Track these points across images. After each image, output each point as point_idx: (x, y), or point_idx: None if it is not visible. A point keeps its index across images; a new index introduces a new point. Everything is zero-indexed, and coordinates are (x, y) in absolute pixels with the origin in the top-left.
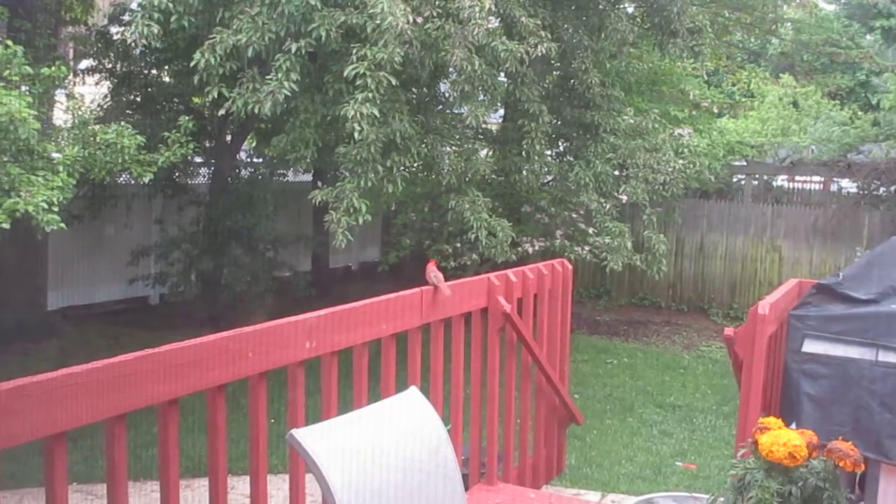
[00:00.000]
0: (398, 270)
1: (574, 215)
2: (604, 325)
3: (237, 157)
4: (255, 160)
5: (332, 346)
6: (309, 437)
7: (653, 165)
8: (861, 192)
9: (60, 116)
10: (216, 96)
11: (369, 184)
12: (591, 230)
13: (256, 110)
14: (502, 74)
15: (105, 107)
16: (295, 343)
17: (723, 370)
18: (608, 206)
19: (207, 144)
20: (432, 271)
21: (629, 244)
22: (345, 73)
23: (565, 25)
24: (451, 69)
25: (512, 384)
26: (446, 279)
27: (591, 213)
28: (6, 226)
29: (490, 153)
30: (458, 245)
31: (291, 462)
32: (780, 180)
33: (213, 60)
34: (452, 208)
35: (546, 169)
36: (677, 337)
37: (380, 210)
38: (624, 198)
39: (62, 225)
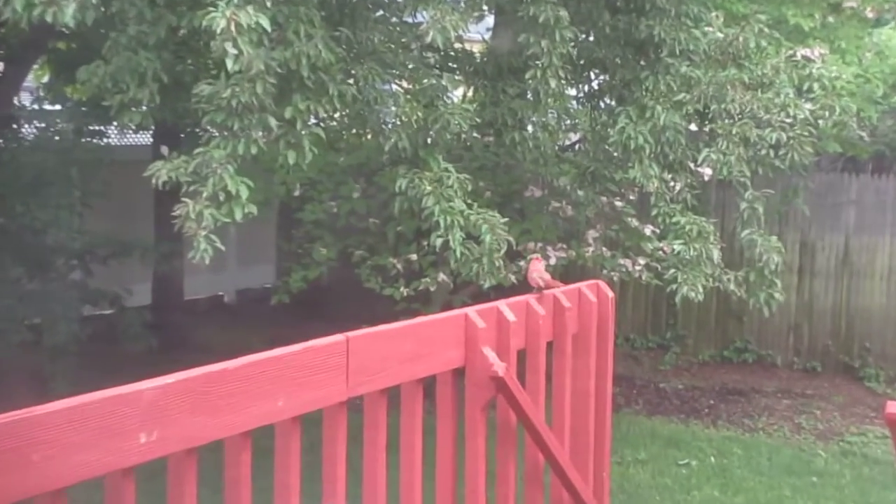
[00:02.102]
0: (308, 304)
1: (618, 203)
2: (674, 396)
3: (14, 100)
4: (48, 107)
5: (187, 439)
6: None
7: (758, 113)
8: None
9: None
10: None
11: (253, 150)
12: (647, 229)
13: (50, 18)
14: None
15: None
16: (122, 433)
17: (887, 477)
18: (678, 188)
19: None
20: (536, 270)
21: (716, 254)
22: None
23: None
24: None
25: None
26: (392, 317)
27: (649, 200)
28: None
29: (470, 94)
30: (414, 258)
31: None
32: None
33: None
34: (402, 192)
35: (569, 122)
36: (805, 418)
37: (273, 198)
38: (707, 172)
39: None
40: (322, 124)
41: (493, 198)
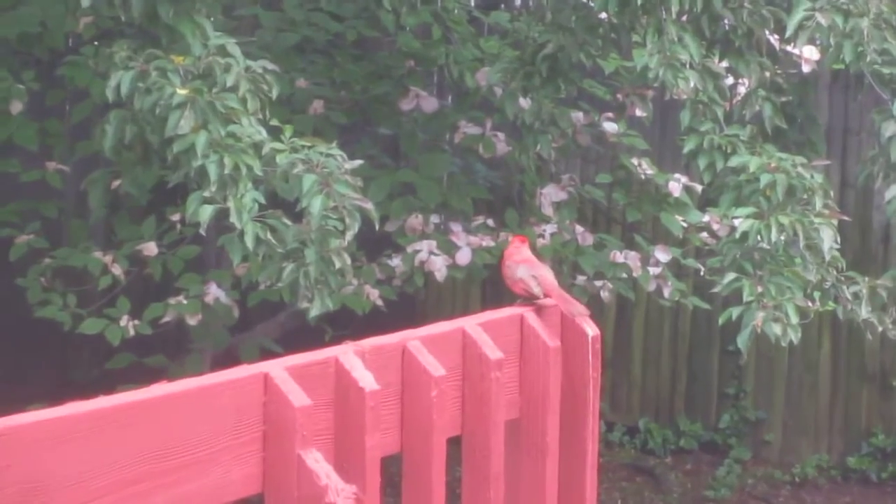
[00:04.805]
0: None
1: (609, 125)
2: None
3: None
4: None
5: None
6: None
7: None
8: None
9: None
10: None
11: None
12: (675, 183)
13: None
14: None
15: None
16: None
17: None
18: (746, 89)
19: None
20: (524, 262)
21: (828, 239)
22: None
23: None
24: None
25: None
26: (103, 382)
27: (672, 122)
28: None
29: None
30: (153, 251)
31: None
32: None
33: None
34: (122, 100)
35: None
36: None
37: None
38: (808, 55)
39: None
40: None
41: (332, 117)
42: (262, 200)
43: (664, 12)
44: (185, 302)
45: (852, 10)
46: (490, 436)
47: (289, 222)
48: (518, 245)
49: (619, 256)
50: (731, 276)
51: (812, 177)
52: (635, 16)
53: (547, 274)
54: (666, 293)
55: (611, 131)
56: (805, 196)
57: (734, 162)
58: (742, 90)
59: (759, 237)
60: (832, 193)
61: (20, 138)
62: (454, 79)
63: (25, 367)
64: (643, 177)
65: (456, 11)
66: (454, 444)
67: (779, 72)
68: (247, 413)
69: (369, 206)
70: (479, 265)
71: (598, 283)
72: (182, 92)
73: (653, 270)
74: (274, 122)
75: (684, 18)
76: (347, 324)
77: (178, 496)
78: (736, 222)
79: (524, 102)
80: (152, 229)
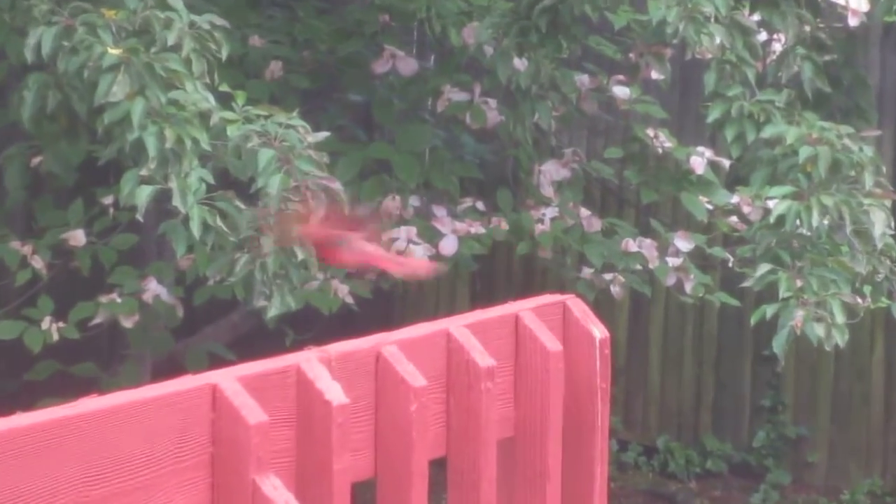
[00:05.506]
0: None
1: (620, 89)
2: None
3: None
4: None
5: None
6: None
7: None
8: None
9: None
10: None
11: None
12: (698, 158)
13: None
14: None
15: None
16: None
17: None
18: (782, 46)
19: None
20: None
21: (881, 222)
22: None
23: None
24: None
25: None
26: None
27: (694, 83)
28: None
29: None
30: (80, 241)
31: None
32: None
33: None
34: (42, 60)
35: None
36: None
37: None
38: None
39: None
40: None
41: (293, 81)
42: (211, 180)
43: None
44: (119, 300)
45: None
46: (480, 457)
47: (242, 206)
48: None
49: (632, 245)
50: (764, 267)
51: (861, 150)
52: None
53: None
54: (688, 288)
55: (622, 97)
56: (852, 173)
57: (768, 132)
58: (777, 48)
59: (797, 221)
60: (884, 169)
61: None
62: (436, 36)
63: None
64: (660, 151)
65: None
66: (438, 466)
67: (821, 25)
68: (192, 432)
69: (337, 186)
70: (466, 256)
71: (608, 277)
72: (114, 52)
73: (672, 261)
74: (223, 88)
75: None
76: (311, 326)
77: None
78: (770, 204)
79: (519, 63)
80: (80, 215)
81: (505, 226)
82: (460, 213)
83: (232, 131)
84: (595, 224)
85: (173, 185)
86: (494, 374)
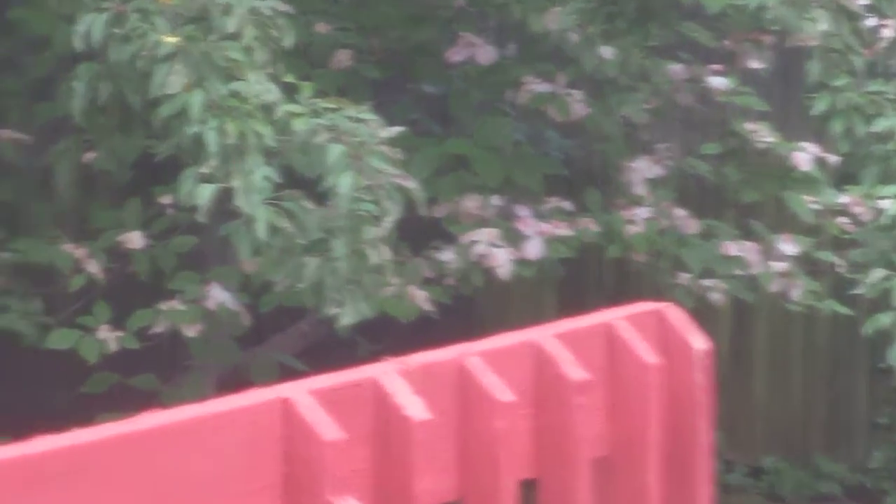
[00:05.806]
0: None
1: (718, 80)
2: None
3: None
4: None
5: None
6: None
7: None
8: None
9: None
10: None
11: None
12: (804, 154)
13: None
14: None
15: None
16: None
17: None
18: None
19: None
20: None
21: None
22: None
23: None
24: None
25: None
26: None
27: (796, 73)
28: None
29: None
30: (138, 244)
31: None
32: None
33: None
34: (96, 55)
35: None
36: None
37: None
38: None
39: None
40: None
41: (362, 71)
42: (276, 178)
43: None
44: (180, 307)
45: None
46: (573, 478)
47: (310, 206)
48: None
49: (732, 248)
50: (878, 272)
51: None
52: None
53: None
54: (794, 295)
55: (718, 88)
56: None
57: (879, 126)
58: (888, 34)
59: None
60: None
61: None
62: (517, 22)
63: None
64: (761, 146)
65: None
66: (527, 488)
67: None
68: (262, 450)
69: (412, 184)
70: (552, 260)
71: (708, 283)
72: (170, 40)
73: (777, 266)
74: (288, 79)
75: None
76: (386, 335)
77: None
78: (883, 204)
79: (606, 52)
80: (136, 215)
81: (594, 227)
82: (545, 214)
83: (298, 126)
84: (692, 225)
85: (236, 183)
86: (588, 389)
